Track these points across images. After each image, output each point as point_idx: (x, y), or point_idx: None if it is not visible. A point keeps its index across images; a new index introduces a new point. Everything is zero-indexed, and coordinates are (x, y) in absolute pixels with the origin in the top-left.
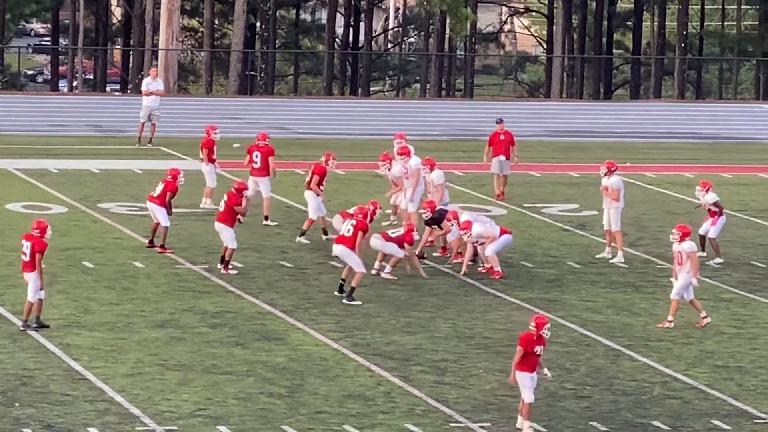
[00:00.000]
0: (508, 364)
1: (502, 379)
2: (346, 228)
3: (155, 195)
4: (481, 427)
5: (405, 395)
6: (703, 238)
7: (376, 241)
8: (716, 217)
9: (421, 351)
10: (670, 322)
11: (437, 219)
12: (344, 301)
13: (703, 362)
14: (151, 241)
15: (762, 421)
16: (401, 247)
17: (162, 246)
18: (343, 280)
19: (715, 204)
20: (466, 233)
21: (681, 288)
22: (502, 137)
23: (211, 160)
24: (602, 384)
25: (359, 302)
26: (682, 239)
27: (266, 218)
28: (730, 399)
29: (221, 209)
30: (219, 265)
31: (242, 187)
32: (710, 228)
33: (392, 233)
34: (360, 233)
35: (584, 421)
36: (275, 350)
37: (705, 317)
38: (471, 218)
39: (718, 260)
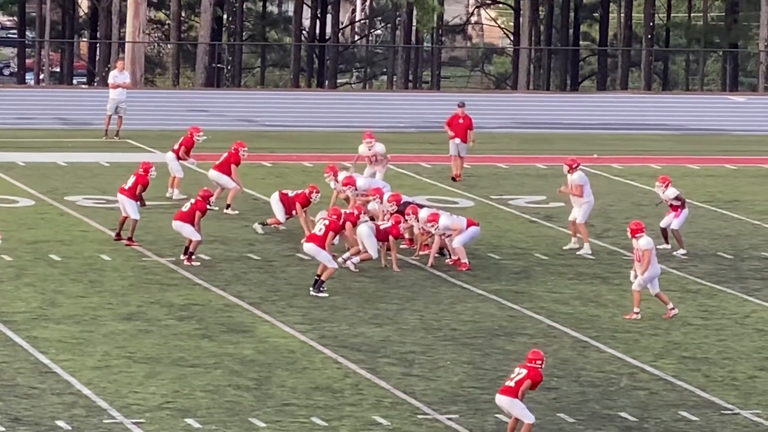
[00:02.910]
0: (476, 355)
1: (470, 370)
2: (318, 227)
3: (126, 187)
4: (449, 418)
5: (372, 387)
6: (664, 230)
7: (364, 228)
8: (679, 210)
9: (389, 343)
10: (637, 313)
11: (403, 212)
12: (312, 292)
13: (670, 353)
14: (118, 234)
15: (729, 411)
16: (386, 239)
17: (130, 239)
18: (319, 275)
19: (677, 198)
20: (433, 225)
21: (644, 280)
22: (461, 121)
23: (183, 158)
24: (570, 375)
25: (326, 294)
26: (632, 235)
27: (228, 206)
28: (697, 390)
29: (184, 209)
30: (182, 256)
31: (208, 194)
32: (673, 220)
33: (381, 225)
34: (331, 233)
35: (552, 412)
36: (242, 342)
37: (672, 309)
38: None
39: (682, 251)
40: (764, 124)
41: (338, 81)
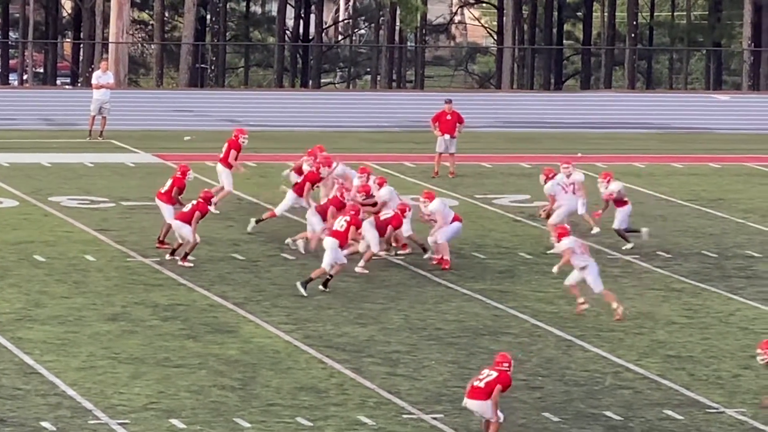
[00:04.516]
0: (461, 355)
1: (455, 370)
2: (339, 223)
3: (163, 191)
4: (434, 418)
5: (357, 387)
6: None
7: (364, 223)
8: (622, 206)
9: (373, 343)
10: (582, 303)
11: (373, 203)
12: (298, 283)
13: (655, 352)
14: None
15: (713, 410)
16: (385, 231)
17: (162, 241)
18: (331, 276)
19: (619, 192)
20: (425, 202)
21: (575, 277)
22: (448, 117)
23: (229, 165)
24: (554, 374)
25: (306, 294)
26: (558, 239)
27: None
28: (681, 389)
29: (185, 209)
30: (168, 256)
31: (209, 195)
32: (617, 217)
33: (382, 216)
34: (352, 228)
35: (536, 411)
36: (227, 343)
37: (618, 308)
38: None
39: (628, 246)
40: (748, 123)
41: (322, 81)
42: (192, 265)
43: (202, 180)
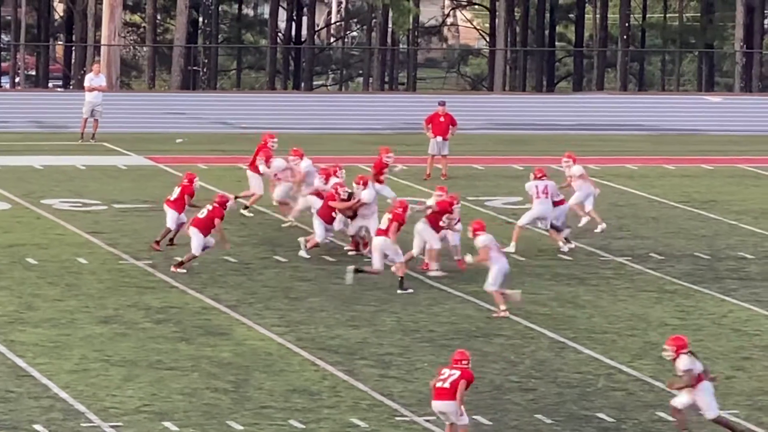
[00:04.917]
0: None
1: None
2: (383, 221)
3: (172, 199)
4: (427, 420)
5: (350, 389)
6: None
7: (419, 225)
8: (560, 204)
9: (366, 345)
10: (505, 311)
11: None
12: (398, 291)
13: (648, 354)
14: (171, 240)
15: None
16: (438, 224)
17: (157, 242)
18: (402, 277)
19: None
20: (440, 195)
21: (494, 278)
22: (441, 119)
23: (257, 170)
24: (547, 376)
25: (411, 290)
26: (473, 235)
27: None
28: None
29: (200, 215)
30: (178, 259)
31: (224, 200)
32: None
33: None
34: (395, 224)
35: (529, 413)
36: (220, 345)
37: (504, 311)
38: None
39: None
40: (740, 124)
41: (314, 83)
42: (185, 271)
43: (200, 184)
